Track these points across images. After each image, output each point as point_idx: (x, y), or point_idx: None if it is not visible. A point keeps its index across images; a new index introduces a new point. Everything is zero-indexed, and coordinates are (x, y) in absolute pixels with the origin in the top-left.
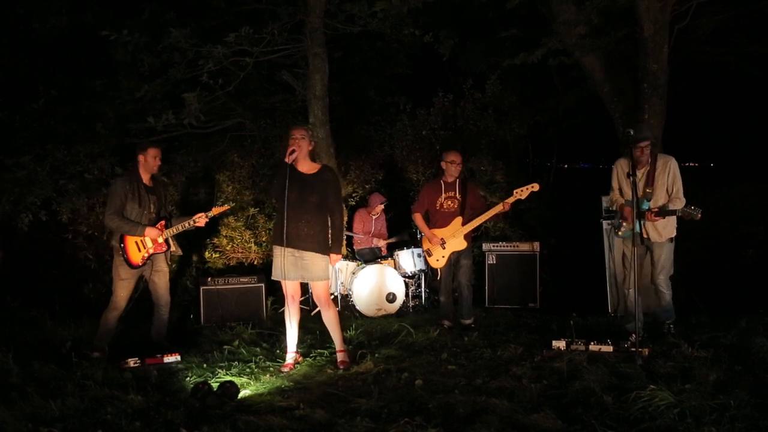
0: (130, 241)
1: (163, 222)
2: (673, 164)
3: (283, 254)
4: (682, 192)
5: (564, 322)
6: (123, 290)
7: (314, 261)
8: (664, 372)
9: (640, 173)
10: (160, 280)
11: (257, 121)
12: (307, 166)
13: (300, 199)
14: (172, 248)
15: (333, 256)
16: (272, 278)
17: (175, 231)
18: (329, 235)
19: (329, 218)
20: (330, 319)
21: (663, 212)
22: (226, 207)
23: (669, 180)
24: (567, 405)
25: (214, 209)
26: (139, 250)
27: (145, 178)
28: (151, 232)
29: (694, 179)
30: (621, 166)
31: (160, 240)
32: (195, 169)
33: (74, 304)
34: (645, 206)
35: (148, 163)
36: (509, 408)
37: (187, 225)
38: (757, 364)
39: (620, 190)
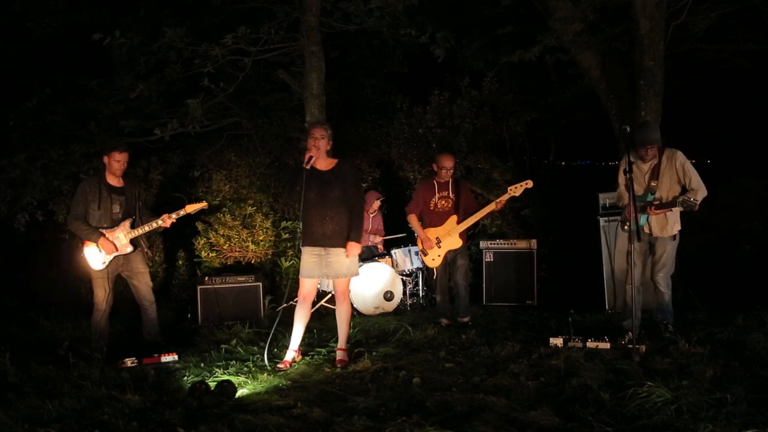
0: (90, 244)
1: (127, 222)
2: (679, 157)
3: (312, 253)
4: (700, 181)
5: (561, 320)
6: (98, 289)
7: (340, 258)
8: (661, 368)
9: (647, 166)
10: (140, 282)
11: (254, 119)
12: (324, 163)
13: (321, 197)
14: (144, 249)
15: (351, 244)
16: (300, 276)
17: (141, 232)
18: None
19: (351, 210)
20: (343, 314)
21: (662, 205)
22: (203, 204)
23: (679, 173)
24: (564, 402)
25: (187, 207)
26: (99, 252)
27: (111, 179)
28: (104, 243)
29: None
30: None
31: (124, 241)
32: (191, 169)
33: (71, 305)
34: (649, 199)
35: (112, 167)
36: (507, 405)
37: (154, 225)
38: (753, 360)
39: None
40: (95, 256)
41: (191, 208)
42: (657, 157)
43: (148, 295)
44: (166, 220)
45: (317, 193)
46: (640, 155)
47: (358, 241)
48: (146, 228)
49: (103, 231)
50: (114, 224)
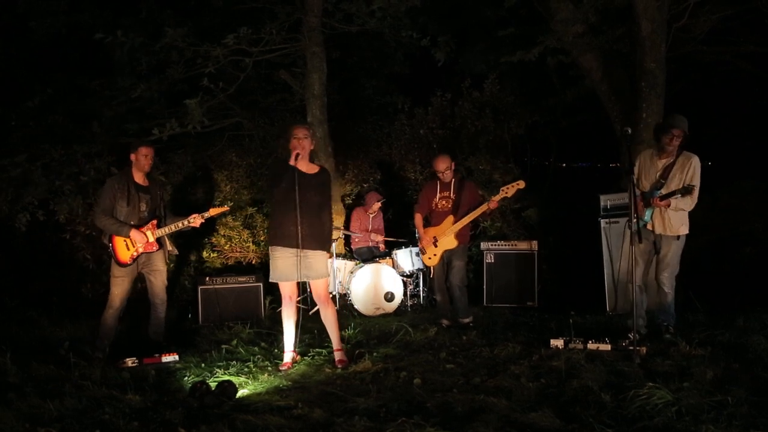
0: (119, 240)
1: (154, 222)
2: (694, 162)
3: (285, 255)
4: (697, 191)
5: (562, 321)
6: (116, 287)
7: (317, 259)
8: (662, 370)
9: (661, 164)
10: (157, 279)
11: (255, 120)
12: (306, 166)
13: (302, 199)
14: (168, 248)
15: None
16: (271, 280)
17: (167, 231)
18: (326, 234)
19: (326, 218)
20: (328, 317)
21: (665, 195)
22: (225, 208)
23: (687, 177)
24: (565, 404)
25: (211, 210)
26: (128, 249)
27: (138, 177)
28: (135, 235)
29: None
30: (643, 157)
31: (151, 239)
32: (193, 169)
33: (72, 305)
34: (655, 194)
35: (139, 162)
36: (507, 407)
37: (180, 225)
38: (754, 362)
39: (638, 181)
40: (122, 252)
41: (214, 212)
42: (674, 155)
43: (161, 294)
44: (197, 219)
45: (301, 196)
46: (662, 144)
47: (327, 251)
48: (173, 227)
49: None
50: (141, 222)
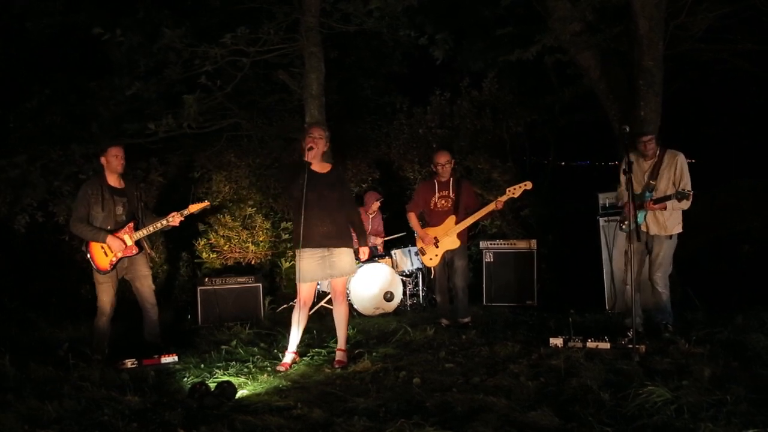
0: (96, 247)
1: (131, 224)
2: (680, 159)
3: (310, 255)
4: (689, 187)
5: (561, 320)
6: (103, 294)
7: (342, 257)
8: (661, 368)
9: (647, 165)
10: (142, 285)
11: (253, 120)
12: (319, 166)
13: (321, 198)
14: (147, 250)
15: (363, 249)
16: (297, 282)
17: (146, 232)
18: (351, 230)
19: (347, 213)
20: (341, 314)
21: (660, 199)
22: (205, 203)
23: (676, 175)
24: (564, 402)
25: (190, 207)
26: (106, 255)
27: (112, 180)
28: (112, 242)
29: (691, 176)
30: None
31: (129, 243)
32: (191, 170)
33: (71, 306)
34: (647, 197)
35: (111, 164)
36: (507, 406)
37: (159, 225)
38: (753, 360)
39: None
40: (101, 259)
41: (194, 208)
42: (658, 156)
43: (150, 298)
44: (176, 218)
45: (318, 195)
46: (640, 150)
47: (367, 245)
48: (151, 228)
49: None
50: (118, 226)
